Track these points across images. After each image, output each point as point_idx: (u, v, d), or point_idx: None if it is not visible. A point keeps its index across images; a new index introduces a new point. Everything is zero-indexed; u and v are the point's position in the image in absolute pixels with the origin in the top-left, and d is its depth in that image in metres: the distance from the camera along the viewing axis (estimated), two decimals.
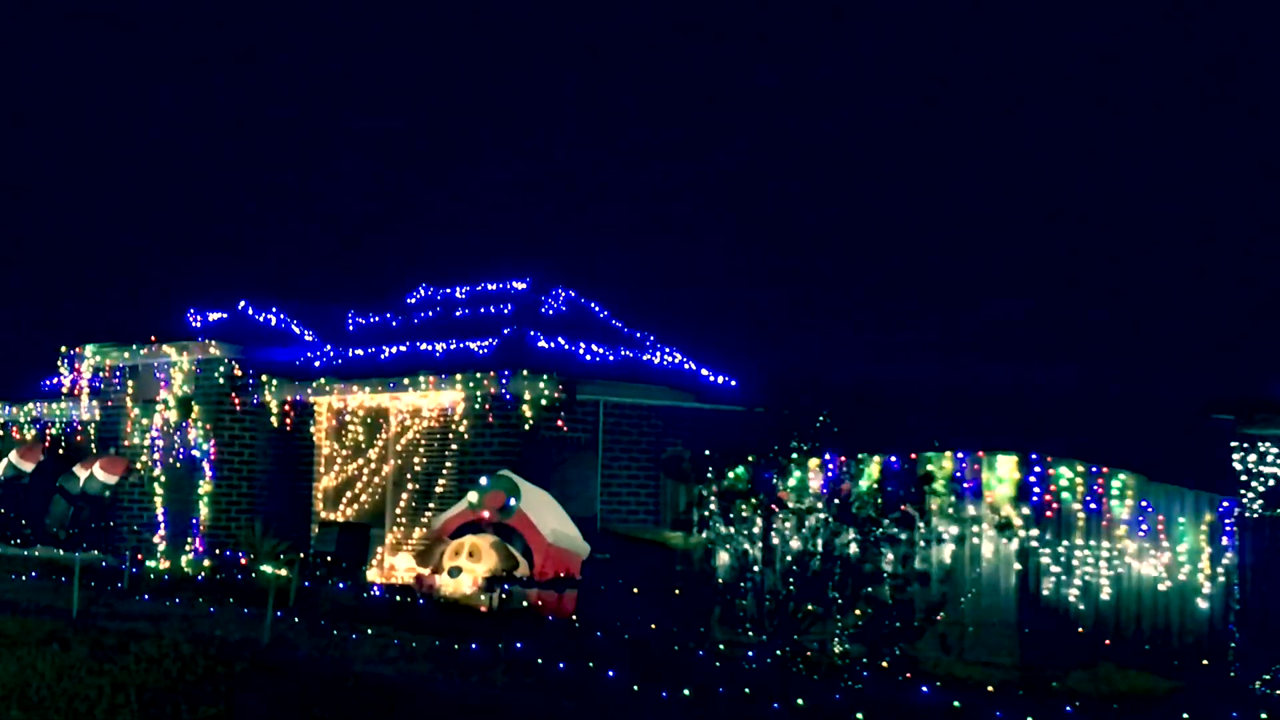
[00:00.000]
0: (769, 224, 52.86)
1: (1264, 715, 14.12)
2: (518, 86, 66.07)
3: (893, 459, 18.55)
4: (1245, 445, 16.93)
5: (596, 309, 25.06)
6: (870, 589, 17.16)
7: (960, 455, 18.26)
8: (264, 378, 24.97)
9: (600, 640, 16.30)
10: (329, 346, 25.89)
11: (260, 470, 25.35)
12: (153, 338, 26.34)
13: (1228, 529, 18.66)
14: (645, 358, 23.89)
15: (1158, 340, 35.17)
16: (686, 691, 12.65)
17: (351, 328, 26.71)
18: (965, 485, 18.16)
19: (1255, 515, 17.40)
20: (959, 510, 18.12)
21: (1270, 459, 16.95)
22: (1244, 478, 17.19)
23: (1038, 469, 17.92)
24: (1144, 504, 18.83)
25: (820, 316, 39.95)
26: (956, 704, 13.33)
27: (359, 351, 24.99)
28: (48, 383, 29.18)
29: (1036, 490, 17.86)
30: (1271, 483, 16.99)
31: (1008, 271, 44.21)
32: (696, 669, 14.50)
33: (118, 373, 26.98)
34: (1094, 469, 18.45)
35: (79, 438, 28.46)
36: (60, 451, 28.46)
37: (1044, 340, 36.95)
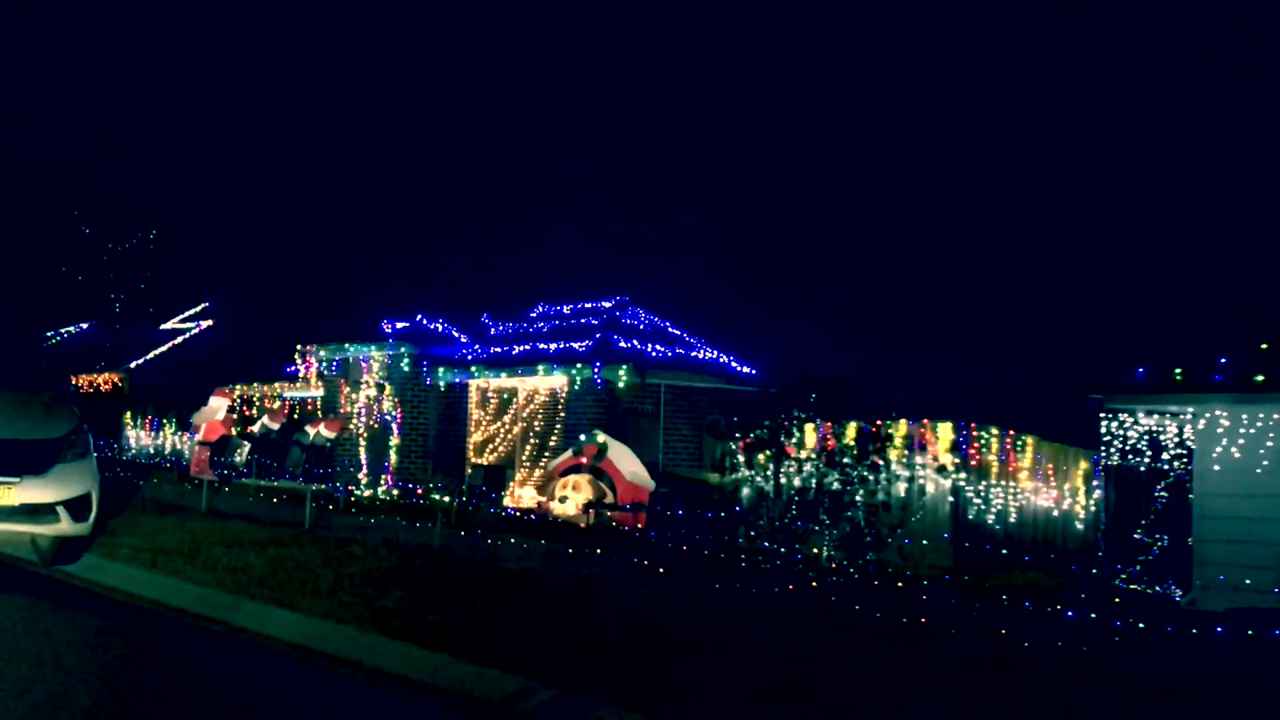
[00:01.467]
0: (781, 260, 52.87)
1: (1117, 599, 14.18)
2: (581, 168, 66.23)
3: (865, 425, 18.63)
4: (1109, 415, 16.92)
5: (660, 320, 25.21)
6: (849, 514, 17.26)
7: (911, 422, 18.33)
8: (434, 367, 25.29)
9: (662, 546, 16.47)
10: (477, 345, 26.15)
11: (431, 430, 25.67)
12: (359, 340, 26.75)
13: (1097, 474, 18.64)
14: (693, 354, 24.03)
15: (1059, 341, 35.04)
16: (719, 584, 12.80)
17: (492, 332, 26.94)
18: (915, 443, 18.22)
19: (1115, 465, 17.39)
20: (910, 460, 18.18)
21: (1125, 425, 16.93)
22: (1107, 438, 17.18)
23: (965, 432, 17.97)
24: (1039, 456, 18.85)
25: (815, 325, 39.97)
26: (915, 593, 13.44)
27: (497, 349, 25.23)
28: (288, 369, 29.61)
29: (964, 446, 17.91)
30: (1125, 442, 16.97)
31: (951, 296, 44.07)
32: (728, 567, 14.63)
33: (335, 363, 27.37)
34: (1005, 431, 18.47)
35: (309, 406, 28.87)
36: (296, 416, 28.85)
37: (977, 343, 36.87)
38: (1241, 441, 14.77)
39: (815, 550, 17.19)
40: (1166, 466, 16.96)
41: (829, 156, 61.59)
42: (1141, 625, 10.79)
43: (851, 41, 63.19)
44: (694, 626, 10.16)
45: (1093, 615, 11.27)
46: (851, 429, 18.69)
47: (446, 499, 19.02)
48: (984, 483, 18.07)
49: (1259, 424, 14.69)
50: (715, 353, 24.48)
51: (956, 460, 17.80)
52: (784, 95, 64.48)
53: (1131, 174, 52.74)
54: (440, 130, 71.79)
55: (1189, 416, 15.85)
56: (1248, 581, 14.38)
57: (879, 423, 18.56)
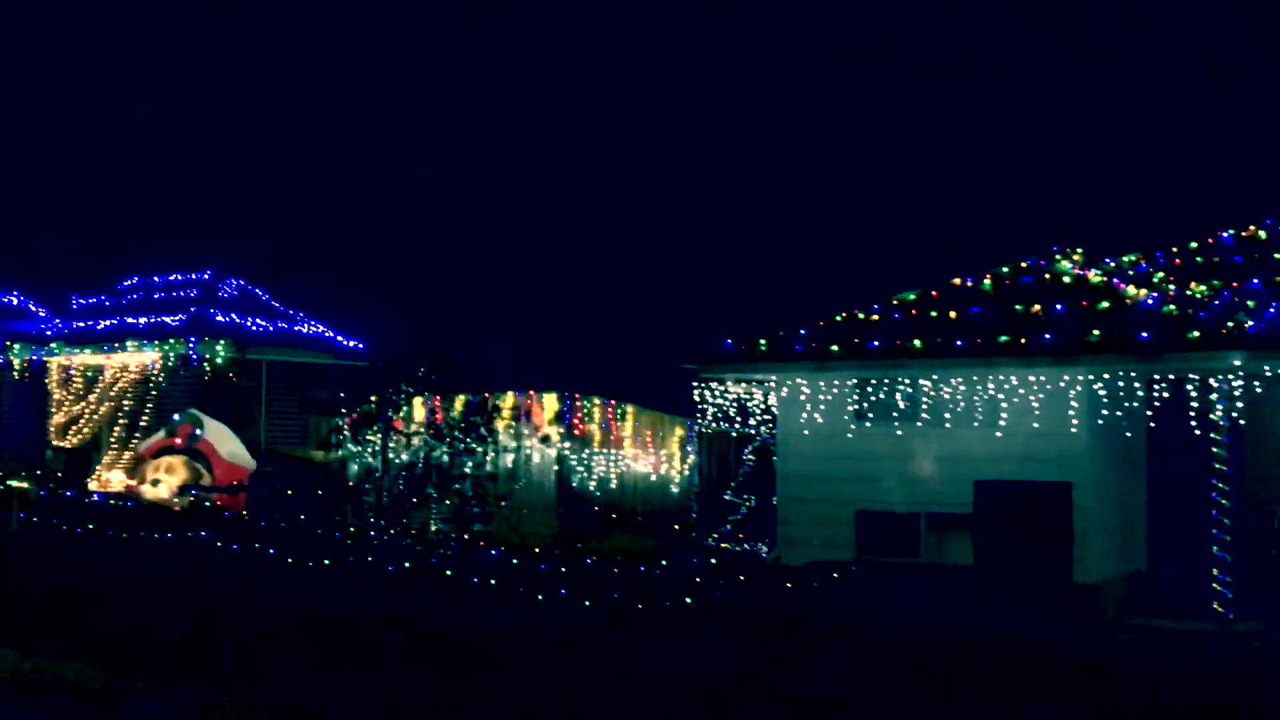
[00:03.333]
0: (392, 234, 52.39)
1: (713, 559, 15.04)
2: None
3: (473, 397, 18.81)
4: (702, 385, 17.70)
5: (260, 293, 24.48)
6: (457, 486, 17.40)
7: (519, 393, 18.68)
8: (8, 343, 23.60)
9: (264, 528, 16.03)
10: (58, 320, 24.58)
11: (6, 411, 23.95)
12: None
13: (691, 440, 19.64)
14: (297, 329, 23.52)
15: (657, 314, 36.48)
16: (327, 560, 12.65)
17: (75, 306, 25.34)
18: (523, 414, 18.60)
19: (708, 431, 18.35)
20: (519, 430, 18.54)
21: (715, 393, 17.78)
22: (701, 406, 18.03)
23: (569, 402, 18.48)
24: (639, 425, 19.64)
25: (423, 299, 39.85)
26: (515, 560, 13.74)
27: (81, 323, 23.82)
28: None
29: (568, 416, 18.43)
30: (717, 410, 17.87)
31: (559, 270, 45.05)
32: (335, 545, 14.46)
33: None
34: (606, 402, 19.12)
35: None
36: None
37: (582, 316, 37.89)
38: (821, 407, 15.94)
39: (424, 524, 17.25)
40: (754, 432, 18.07)
41: (441, 129, 61.43)
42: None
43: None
44: (292, 607, 10.01)
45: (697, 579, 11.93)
46: (460, 401, 18.84)
47: (25, 485, 17.74)
48: (587, 451, 18.68)
49: (835, 390, 15.91)
50: (322, 327, 24.03)
51: (561, 430, 18.31)
52: (414, 66, 63.68)
53: (723, 156, 55.57)
54: (27, 97, 66.10)
55: (773, 384, 16.94)
56: (825, 538, 15.59)
57: (487, 395, 18.81)
